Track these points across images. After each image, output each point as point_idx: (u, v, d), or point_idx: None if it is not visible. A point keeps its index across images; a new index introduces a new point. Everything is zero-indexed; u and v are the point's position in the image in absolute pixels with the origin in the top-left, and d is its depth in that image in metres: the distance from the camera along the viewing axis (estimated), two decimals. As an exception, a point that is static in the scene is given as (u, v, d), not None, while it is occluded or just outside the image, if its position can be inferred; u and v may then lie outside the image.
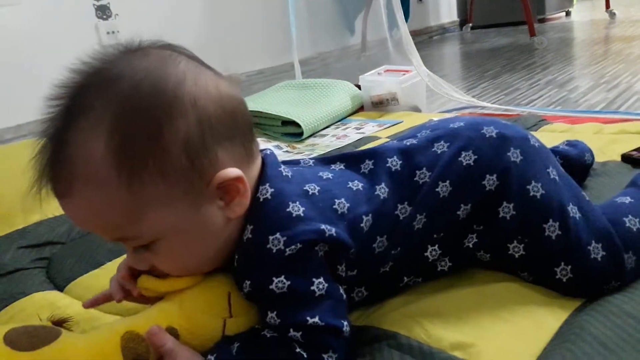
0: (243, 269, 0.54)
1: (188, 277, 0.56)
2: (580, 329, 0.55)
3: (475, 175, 0.62)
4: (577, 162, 0.87)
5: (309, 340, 0.52)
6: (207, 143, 0.50)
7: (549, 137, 1.19)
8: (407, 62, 1.79)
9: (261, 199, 0.55)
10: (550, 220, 0.61)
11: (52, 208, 1.07)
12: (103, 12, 2.80)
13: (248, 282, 0.53)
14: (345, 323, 0.54)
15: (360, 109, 1.77)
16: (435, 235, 0.62)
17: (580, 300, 0.61)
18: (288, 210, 0.54)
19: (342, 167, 0.64)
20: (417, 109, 1.71)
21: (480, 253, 0.64)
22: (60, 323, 0.59)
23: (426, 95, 1.82)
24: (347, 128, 1.58)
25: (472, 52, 3.49)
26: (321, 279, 0.53)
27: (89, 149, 0.47)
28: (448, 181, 0.61)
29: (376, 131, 1.48)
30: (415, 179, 0.62)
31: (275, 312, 0.52)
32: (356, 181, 0.61)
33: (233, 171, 0.51)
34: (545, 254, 0.61)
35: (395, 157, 0.63)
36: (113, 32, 2.83)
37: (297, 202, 0.55)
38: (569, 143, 0.92)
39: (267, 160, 0.58)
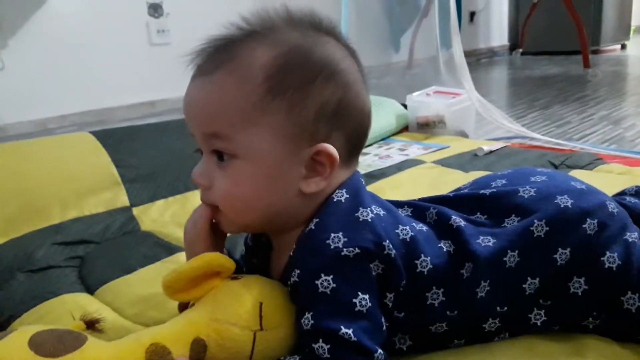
0: (297, 258, 0.55)
1: (218, 280, 0.55)
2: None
3: (546, 248, 0.57)
4: None
5: (334, 357, 0.49)
6: (333, 120, 0.55)
7: (606, 178, 1.13)
8: (456, 83, 1.75)
9: (335, 199, 0.56)
10: (629, 292, 0.56)
11: (90, 205, 1.06)
12: (155, 10, 2.83)
13: (297, 272, 0.53)
14: (380, 351, 0.51)
15: (404, 129, 1.73)
16: (498, 308, 0.57)
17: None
18: (357, 214, 0.55)
19: (408, 212, 0.63)
20: (464, 134, 1.66)
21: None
22: (92, 323, 0.59)
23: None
24: (390, 148, 1.54)
25: (521, 79, 3.42)
26: (366, 296, 0.51)
27: (258, 51, 0.54)
28: (517, 251, 0.57)
29: (421, 154, 1.44)
30: (479, 241, 0.58)
31: (311, 313, 0.51)
32: (421, 224, 0.59)
33: (334, 151, 0.55)
34: (625, 325, 0.57)
35: (460, 218, 0.60)
36: (163, 31, 2.86)
37: (368, 209, 0.55)
38: (638, 191, 0.84)
39: (353, 173, 0.60)
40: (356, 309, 0.51)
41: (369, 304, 0.51)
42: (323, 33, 0.58)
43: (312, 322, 0.50)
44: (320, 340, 0.49)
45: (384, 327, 0.53)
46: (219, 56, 0.55)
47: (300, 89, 0.54)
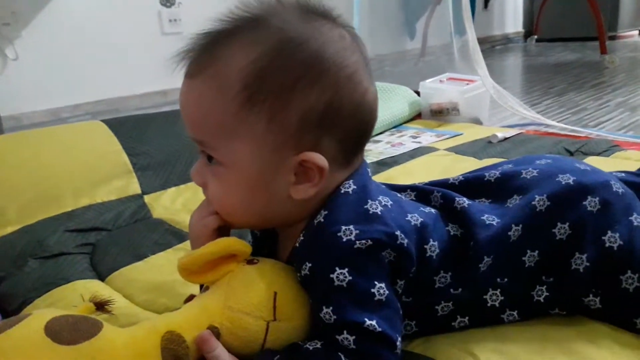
0: (306, 251, 0.54)
1: (234, 264, 0.55)
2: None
3: (546, 222, 0.58)
4: None
5: (360, 347, 0.49)
6: (321, 125, 0.52)
7: (623, 165, 1.11)
8: (470, 70, 1.72)
9: (342, 191, 0.55)
10: (629, 271, 0.56)
11: (102, 193, 1.06)
12: (167, -1, 2.83)
13: (309, 265, 0.52)
14: (400, 339, 0.51)
15: (417, 116, 1.71)
16: (498, 280, 0.58)
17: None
18: (366, 207, 0.54)
19: (412, 196, 0.63)
20: (478, 121, 1.64)
21: (555, 311, 0.60)
22: (101, 305, 0.59)
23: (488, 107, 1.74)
24: (402, 135, 1.53)
25: (536, 66, 3.37)
26: (383, 285, 0.51)
27: (236, 57, 0.51)
28: (520, 225, 0.58)
29: (434, 142, 1.42)
30: (483, 218, 0.59)
31: (331, 308, 0.50)
32: (428, 208, 0.60)
33: (321, 160, 0.52)
34: (623, 306, 0.57)
35: (464, 199, 0.61)
36: (175, 20, 2.86)
37: (377, 202, 0.54)
38: None
39: (360, 165, 0.59)
40: (375, 298, 0.50)
41: (387, 292, 0.51)
42: (320, 19, 0.55)
43: (334, 316, 0.50)
44: (345, 332, 0.49)
45: (401, 311, 0.53)
46: (202, 57, 0.53)
47: (281, 95, 0.51)
